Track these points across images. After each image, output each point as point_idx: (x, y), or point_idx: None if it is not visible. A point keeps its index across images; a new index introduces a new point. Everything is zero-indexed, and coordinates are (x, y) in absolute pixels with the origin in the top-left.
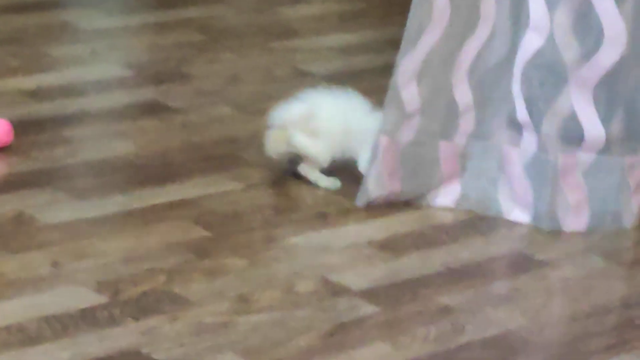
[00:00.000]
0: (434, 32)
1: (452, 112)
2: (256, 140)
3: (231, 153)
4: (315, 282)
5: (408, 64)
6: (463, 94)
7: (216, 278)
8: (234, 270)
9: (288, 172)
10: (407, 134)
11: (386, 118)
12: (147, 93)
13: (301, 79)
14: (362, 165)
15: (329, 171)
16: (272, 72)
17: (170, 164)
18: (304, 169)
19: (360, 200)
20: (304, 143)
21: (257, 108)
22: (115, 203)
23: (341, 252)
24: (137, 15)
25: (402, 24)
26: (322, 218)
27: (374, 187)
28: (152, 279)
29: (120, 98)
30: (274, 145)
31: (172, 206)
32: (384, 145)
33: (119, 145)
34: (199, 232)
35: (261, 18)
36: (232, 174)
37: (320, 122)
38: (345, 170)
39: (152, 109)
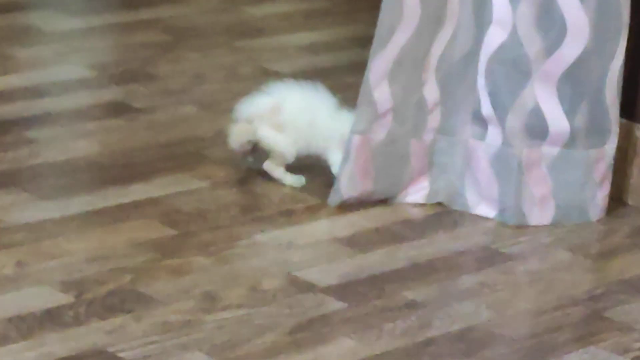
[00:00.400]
0: (404, 31)
1: (421, 110)
2: (221, 138)
3: (196, 152)
4: (281, 279)
5: (379, 64)
6: (431, 91)
7: (182, 276)
8: (199, 269)
9: (250, 164)
10: (379, 134)
11: (358, 118)
12: (112, 93)
13: (266, 78)
14: (335, 166)
15: (294, 167)
16: (237, 71)
17: (135, 164)
18: (268, 166)
19: (333, 200)
20: (270, 136)
21: (223, 107)
22: (80, 203)
23: (307, 248)
24: (100, 16)
25: (368, 22)
26: (288, 215)
27: (347, 187)
28: (117, 278)
29: (84, 99)
30: (237, 137)
31: (137, 205)
32: (356, 145)
33: (83, 146)
34: (165, 231)
35: (226, 17)
36: (197, 172)
37: (287, 115)
38: (310, 167)
39: (117, 109)
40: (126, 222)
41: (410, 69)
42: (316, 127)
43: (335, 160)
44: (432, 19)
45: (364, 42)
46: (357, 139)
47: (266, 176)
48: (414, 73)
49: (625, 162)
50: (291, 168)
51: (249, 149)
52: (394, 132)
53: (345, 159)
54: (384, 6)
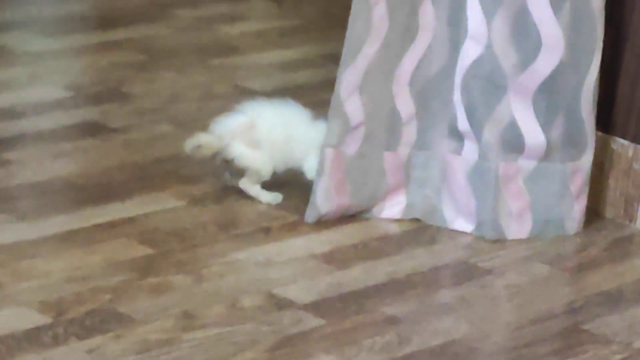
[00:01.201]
0: (373, 43)
1: (394, 123)
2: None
3: (173, 170)
4: (259, 297)
5: (349, 77)
6: (405, 105)
7: (160, 295)
8: (178, 287)
9: (227, 181)
10: (352, 147)
11: (330, 131)
12: (87, 114)
13: (241, 96)
14: (309, 172)
15: (271, 185)
16: (212, 89)
17: (112, 184)
18: (244, 184)
19: (310, 216)
20: (245, 154)
21: (198, 125)
22: (57, 223)
23: (285, 266)
24: (75, 37)
25: (341, 39)
26: (266, 232)
27: (323, 202)
28: (96, 298)
29: (60, 119)
30: (196, 143)
31: (115, 225)
32: (330, 158)
33: (59, 166)
34: (142, 250)
35: (200, 36)
36: (174, 191)
37: (262, 132)
38: (286, 184)
39: (93, 129)
40: (104, 242)
41: (379, 81)
42: (292, 142)
43: (309, 167)
44: (401, 31)
45: (338, 59)
46: (330, 152)
47: (243, 193)
48: (384, 85)
49: (602, 175)
50: (267, 185)
51: (206, 155)
52: (367, 145)
53: (320, 173)
54: (352, 19)
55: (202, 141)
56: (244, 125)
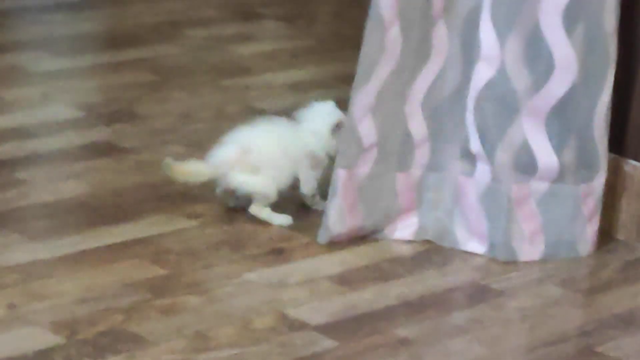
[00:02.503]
0: (386, 64)
1: (407, 144)
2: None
3: (185, 191)
4: (272, 318)
5: (363, 98)
6: (418, 126)
7: (173, 316)
8: (190, 308)
9: (233, 206)
10: (364, 168)
11: (343, 152)
12: (100, 134)
13: (253, 116)
14: (305, 186)
15: (284, 206)
16: (224, 109)
17: (124, 204)
18: (254, 210)
19: (322, 238)
20: (245, 181)
21: (210, 146)
22: (70, 244)
23: (298, 287)
24: (87, 57)
25: (352, 60)
26: (278, 253)
27: (335, 223)
28: (108, 319)
29: (72, 139)
30: (186, 171)
31: (127, 245)
32: (342, 180)
33: (72, 186)
34: (155, 271)
35: (212, 56)
36: (186, 212)
37: (257, 156)
38: (297, 205)
39: (105, 149)
40: (116, 262)
41: (392, 103)
42: (289, 155)
43: (305, 179)
44: (415, 53)
45: (350, 79)
46: (342, 173)
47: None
48: (397, 106)
49: (614, 197)
50: (281, 206)
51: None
52: (379, 166)
53: (332, 194)
54: (366, 40)
55: (191, 169)
56: (238, 153)
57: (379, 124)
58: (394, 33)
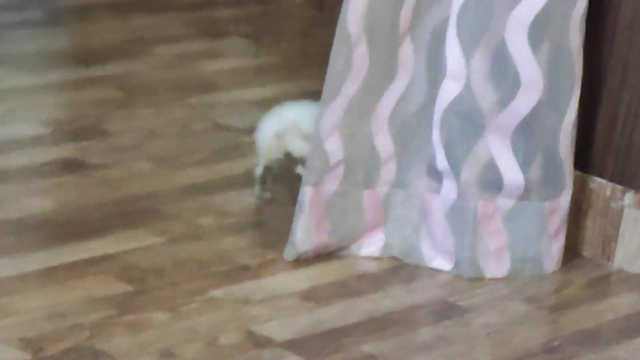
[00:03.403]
0: (353, 82)
1: (374, 161)
2: (176, 194)
3: (152, 207)
4: (238, 334)
5: (329, 116)
6: (384, 143)
7: (139, 333)
8: (157, 325)
9: (263, 196)
10: (331, 185)
11: (310, 169)
12: (66, 150)
13: (219, 133)
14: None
15: (245, 226)
16: (190, 126)
17: (91, 220)
18: (301, 170)
19: (289, 255)
20: (303, 147)
21: (177, 162)
22: (36, 260)
23: (264, 303)
24: (54, 73)
25: (317, 77)
26: (244, 270)
27: (302, 240)
28: (75, 335)
29: (38, 156)
30: (269, 154)
31: (94, 262)
32: (309, 197)
33: (38, 203)
34: (121, 287)
35: (178, 73)
36: (152, 228)
37: (309, 125)
38: (265, 222)
39: (71, 166)
40: (83, 279)
41: (359, 120)
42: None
43: (295, 147)
44: (381, 70)
45: (315, 96)
46: (309, 190)
47: (224, 230)
48: (364, 124)
49: (580, 214)
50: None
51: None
52: (346, 183)
53: (299, 211)
54: (333, 57)
55: (268, 148)
56: (294, 122)
57: (346, 141)
58: (361, 50)
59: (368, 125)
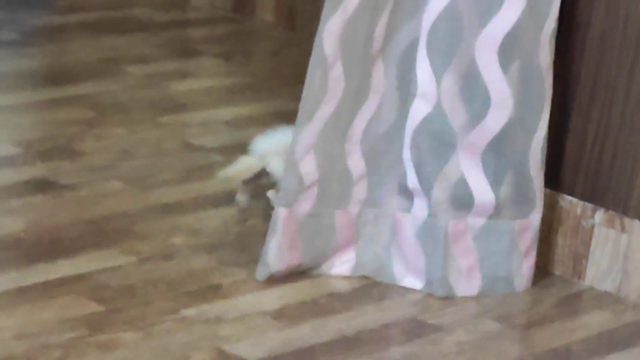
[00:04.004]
0: (328, 104)
1: (346, 180)
2: (148, 213)
3: (123, 227)
4: (210, 354)
5: (305, 137)
6: (356, 163)
7: (110, 352)
8: (128, 344)
9: (242, 204)
10: (305, 206)
11: (284, 191)
12: (37, 170)
13: (191, 153)
14: (275, 173)
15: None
16: (162, 146)
17: (62, 240)
18: (272, 195)
19: (261, 275)
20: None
21: (148, 182)
22: (7, 280)
23: (235, 322)
24: (25, 93)
25: (290, 97)
26: (216, 289)
27: (274, 261)
28: (45, 355)
29: (9, 176)
30: (243, 169)
31: (65, 282)
32: (283, 218)
33: (8, 223)
34: (93, 307)
35: (150, 93)
36: (124, 248)
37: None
38: (237, 242)
39: (43, 186)
40: (54, 299)
41: (334, 141)
42: None
43: (273, 168)
44: (355, 91)
45: (287, 116)
46: (283, 211)
47: (195, 250)
48: (337, 145)
49: (551, 232)
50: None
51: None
52: (320, 204)
53: (272, 232)
54: (309, 79)
55: (244, 165)
56: (284, 145)
57: (320, 162)
58: (337, 72)
59: (342, 147)
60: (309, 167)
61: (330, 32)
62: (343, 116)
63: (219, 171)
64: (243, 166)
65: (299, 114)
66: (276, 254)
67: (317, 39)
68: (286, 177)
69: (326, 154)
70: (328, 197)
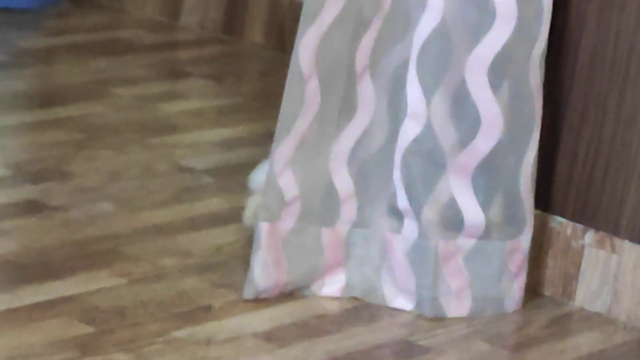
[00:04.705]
0: (305, 118)
1: (332, 199)
2: (138, 235)
3: (113, 249)
4: None
5: (282, 151)
6: (343, 182)
7: None
8: None
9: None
10: (287, 222)
11: (265, 206)
12: (27, 192)
13: (181, 174)
14: (253, 183)
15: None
16: (152, 167)
17: (52, 262)
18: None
19: (248, 293)
20: None
21: (138, 204)
22: None
23: (226, 344)
24: (14, 115)
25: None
26: (206, 311)
27: (260, 278)
28: None
29: None
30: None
31: (55, 303)
32: (265, 233)
33: None
34: (83, 329)
35: (140, 114)
36: (114, 269)
37: None
38: (227, 262)
39: (32, 207)
40: (44, 321)
41: (313, 157)
42: None
43: (255, 178)
44: (336, 107)
45: None
46: (265, 226)
47: (186, 271)
48: (319, 161)
49: (541, 253)
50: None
51: None
52: (303, 220)
53: (256, 248)
54: (286, 94)
55: (258, 202)
56: None
57: (300, 177)
58: (313, 87)
59: (324, 163)
60: (288, 182)
61: (306, 46)
62: (323, 132)
63: (243, 220)
64: (256, 204)
65: (277, 129)
66: (261, 270)
67: (293, 53)
68: (266, 192)
69: (306, 170)
70: (312, 213)
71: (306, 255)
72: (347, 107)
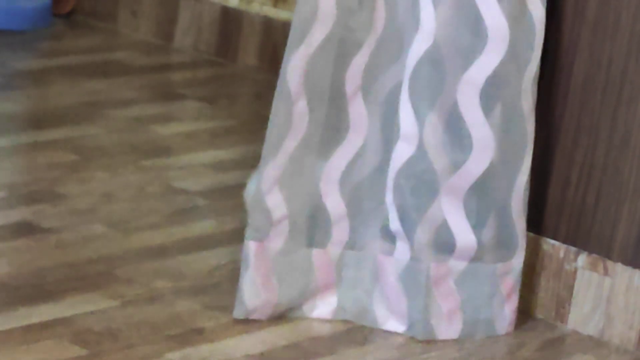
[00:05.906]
0: (293, 139)
1: (323, 220)
2: (131, 257)
3: (106, 271)
4: None
5: (270, 171)
6: (334, 203)
7: None
8: None
9: None
10: (276, 242)
11: (252, 225)
12: (20, 214)
13: (174, 196)
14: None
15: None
16: (144, 189)
17: (45, 284)
18: None
19: (238, 312)
20: None
21: (131, 226)
22: None
23: None
24: (7, 137)
25: None
26: (199, 333)
27: (250, 297)
28: None
29: None
30: None
31: (47, 326)
32: (253, 252)
33: None
34: (75, 351)
35: (133, 137)
36: (107, 291)
37: None
38: (220, 284)
39: (25, 229)
40: (36, 343)
41: (302, 177)
42: None
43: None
44: (326, 128)
45: None
46: (253, 245)
47: (179, 293)
48: (308, 181)
49: (533, 276)
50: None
51: None
52: (292, 241)
53: (245, 267)
54: (273, 115)
55: None
56: None
57: (287, 197)
58: (301, 107)
59: (314, 184)
60: (275, 202)
61: (294, 67)
62: (312, 153)
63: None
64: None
65: (264, 148)
66: (251, 290)
67: (281, 73)
68: (253, 211)
69: (294, 190)
70: (301, 234)
71: (296, 275)
72: (337, 128)
